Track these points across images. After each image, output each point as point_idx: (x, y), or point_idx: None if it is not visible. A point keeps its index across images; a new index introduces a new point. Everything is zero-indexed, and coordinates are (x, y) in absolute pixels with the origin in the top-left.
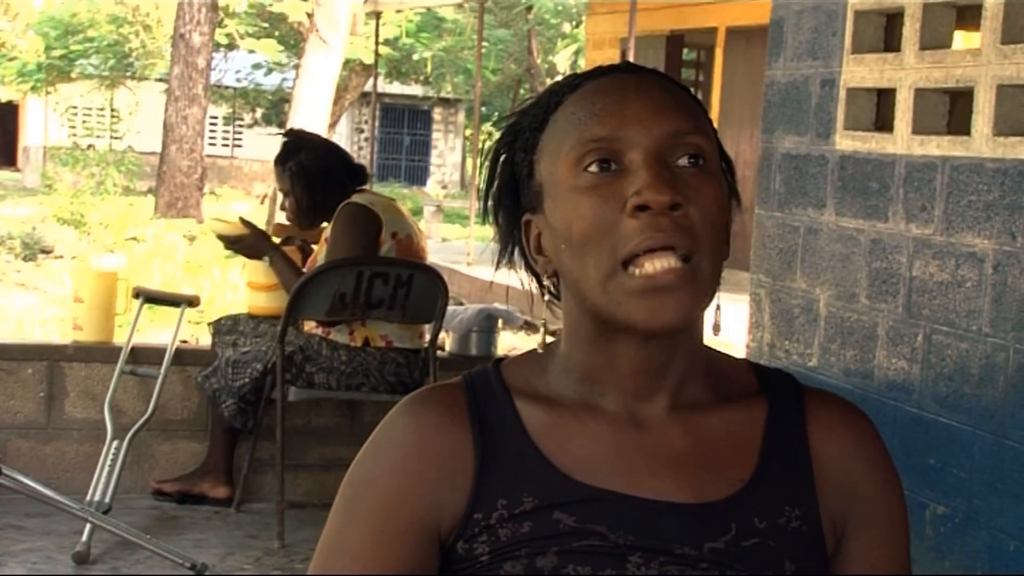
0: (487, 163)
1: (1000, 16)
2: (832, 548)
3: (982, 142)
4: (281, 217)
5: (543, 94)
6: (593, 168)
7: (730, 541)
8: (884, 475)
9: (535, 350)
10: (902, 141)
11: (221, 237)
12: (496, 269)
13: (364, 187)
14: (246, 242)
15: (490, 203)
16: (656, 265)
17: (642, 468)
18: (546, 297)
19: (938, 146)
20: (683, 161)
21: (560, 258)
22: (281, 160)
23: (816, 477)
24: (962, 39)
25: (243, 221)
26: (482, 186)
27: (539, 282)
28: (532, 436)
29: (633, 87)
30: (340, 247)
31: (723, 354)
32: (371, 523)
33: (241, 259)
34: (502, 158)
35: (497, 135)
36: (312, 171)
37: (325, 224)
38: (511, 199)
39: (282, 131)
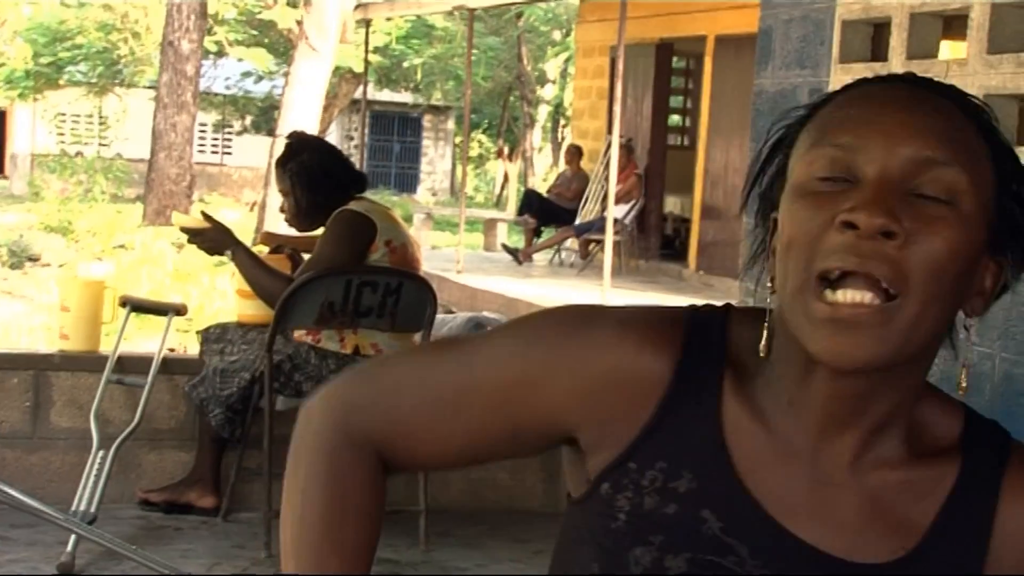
0: (758, 161)
1: (986, 26)
2: None
3: None
4: (270, 225)
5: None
6: (822, 174)
7: None
8: None
9: (760, 313)
10: None
11: (184, 229)
12: (745, 270)
13: (363, 194)
14: (207, 236)
15: (753, 201)
16: (848, 296)
17: (803, 505)
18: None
19: None
20: (925, 192)
21: (778, 259)
22: (283, 161)
23: (989, 558)
24: (948, 49)
25: (205, 216)
26: (748, 184)
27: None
28: (722, 417)
29: (897, 99)
30: (328, 251)
31: (937, 398)
32: (526, 380)
33: (231, 267)
34: (769, 155)
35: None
36: (314, 172)
37: (320, 231)
38: (771, 196)
39: (276, 135)
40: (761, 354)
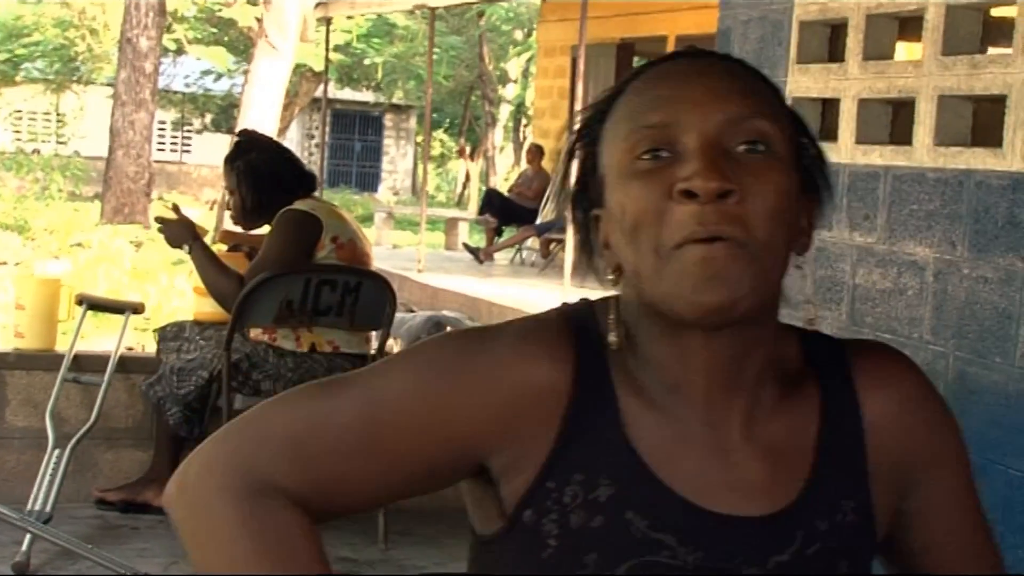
0: (561, 162)
1: (941, 27)
2: (884, 523)
3: (923, 152)
4: (230, 224)
5: (604, 92)
6: (646, 155)
7: (795, 552)
8: (938, 421)
9: (611, 301)
10: (846, 150)
11: (157, 219)
12: (575, 269)
13: (312, 194)
14: (171, 227)
15: (566, 202)
16: (705, 250)
17: (715, 480)
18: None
19: (881, 156)
20: (742, 147)
21: (620, 248)
22: (231, 158)
23: (869, 453)
24: (904, 50)
25: (174, 208)
26: (555, 185)
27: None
28: (622, 415)
29: (693, 71)
30: (274, 250)
31: (780, 331)
32: (429, 410)
33: (188, 266)
34: (576, 154)
35: (571, 131)
36: (260, 171)
37: (266, 229)
38: (583, 196)
39: (234, 133)
40: (612, 347)
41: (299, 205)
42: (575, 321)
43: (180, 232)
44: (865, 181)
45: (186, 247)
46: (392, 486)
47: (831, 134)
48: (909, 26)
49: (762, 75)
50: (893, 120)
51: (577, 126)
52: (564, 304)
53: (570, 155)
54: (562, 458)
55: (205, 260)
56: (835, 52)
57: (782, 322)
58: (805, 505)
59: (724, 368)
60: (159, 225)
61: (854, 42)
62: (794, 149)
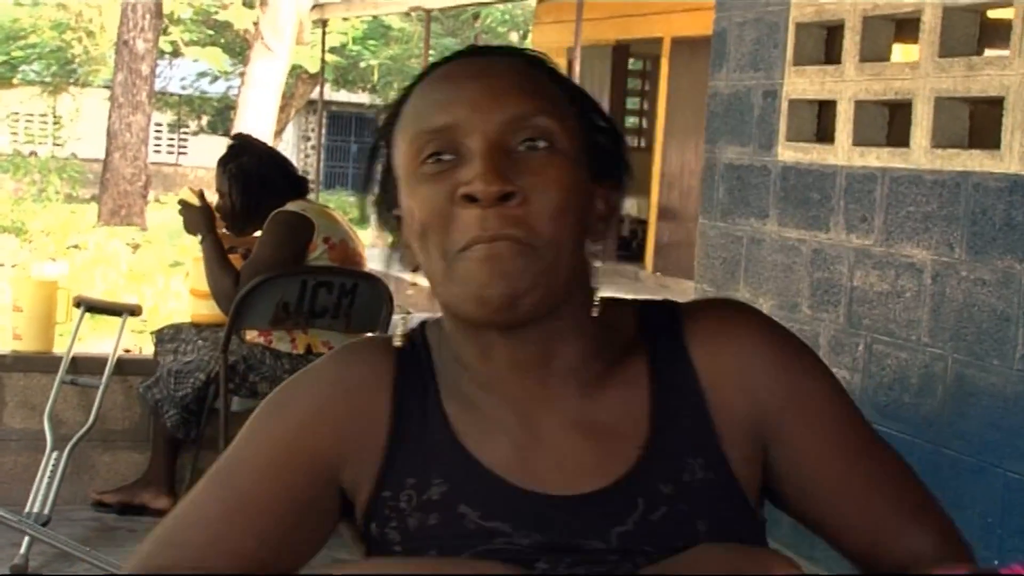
0: (364, 167)
1: (937, 29)
2: (754, 475)
3: (920, 154)
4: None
5: (404, 87)
6: (430, 160)
7: (638, 520)
8: (782, 364)
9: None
10: (843, 152)
11: (180, 201)
12: (387, 267)
13: (303, 199)
14: (190, 212)
15: (372, 206)
16: (488, 249)
17: (543, 462)
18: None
19: (878, 157)
20: (524, 145)
21: (416, 251)
22: (223, 161)
23: (712, 410)
24: (901, 52)
25: (200, 195)
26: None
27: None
28: (447, 414)
29: (475, 72)
30: (266, 252)
31: (613, 307)
32: (271, 452)
33: (185, 268)
34: (377, 156)
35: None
36: (250, 175)
37: (258, 233)
38: (386, 198)
39: (229, 135)
40: (397, 343)
41: (290, 206)
42: (399, 338)
43: (198, 219)
44: (862, 183)
45: (199, 236)
46: (270, 539)
47: (827, 136)
48: (906, 28)
49: (551, 68)
50: (890, 122)
51: (377, 130)
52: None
53: (372, 157)
54: (393, 466)
55: (212, 254)
56: (831, 54)
57: (616, 297)
58: (644, 471)
59: (530, 364)
60: (179, 207)
61: (850, 44)
62: (584, 139)
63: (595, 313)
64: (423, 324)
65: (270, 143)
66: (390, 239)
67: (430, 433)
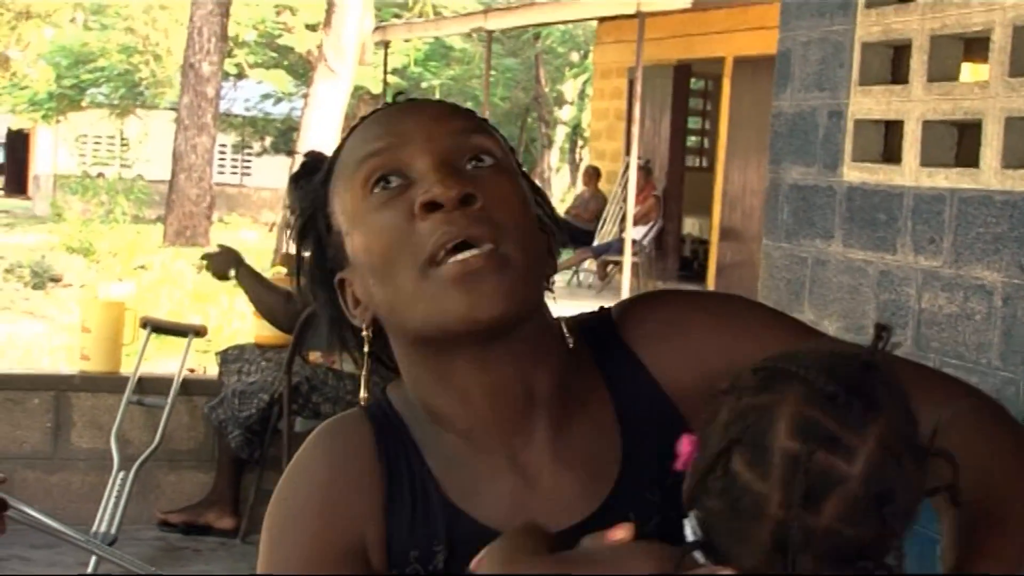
0: (293, 241)
1: (1008, 48)
2: None
3: (990, 174)
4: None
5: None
6: (377, 186)
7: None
8: (712, 320)
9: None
10: (910, 173)
11: (203, 256)
12: (329, 347)
13: None
14: (214, 258)
15: (304, 281)
16: (462, 264)
17: (535, 502)
18: (365, 370)
19: (946, 178)
20: (471, 164)
21: (373, 294)
22: (295, 178)
23: (674, 402)
24: (970, 71)
25: (219, 245)
26: (293, 271)
27: (360, 350)
28: (436, 479)
29: (408, 108)
30: None
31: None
32: (304, 551)
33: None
34: (305, 230)
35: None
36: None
37: None
38: (322, 268)
39: (297, 152)
40: (362, 402)
41: None
42: (369, 406)
43: (224, 260)
44: (930, 204)
45: (232, 272)
46: None
47: (894, 156)
48: (975, 47)
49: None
50: (959, 142)
51: (298, 207)
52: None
53: (301, 237)
54: (393, 539)
55: (252, 282)
56: (898, 73)
57: (556, 318)
58: (628, 485)
59: (508, 391)
60: (204, 263)
61: (918, 63)
62: (517, 167)
63: (571, 344)
64: (383, 389)
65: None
66: (334, 313)
67: (421, 498)
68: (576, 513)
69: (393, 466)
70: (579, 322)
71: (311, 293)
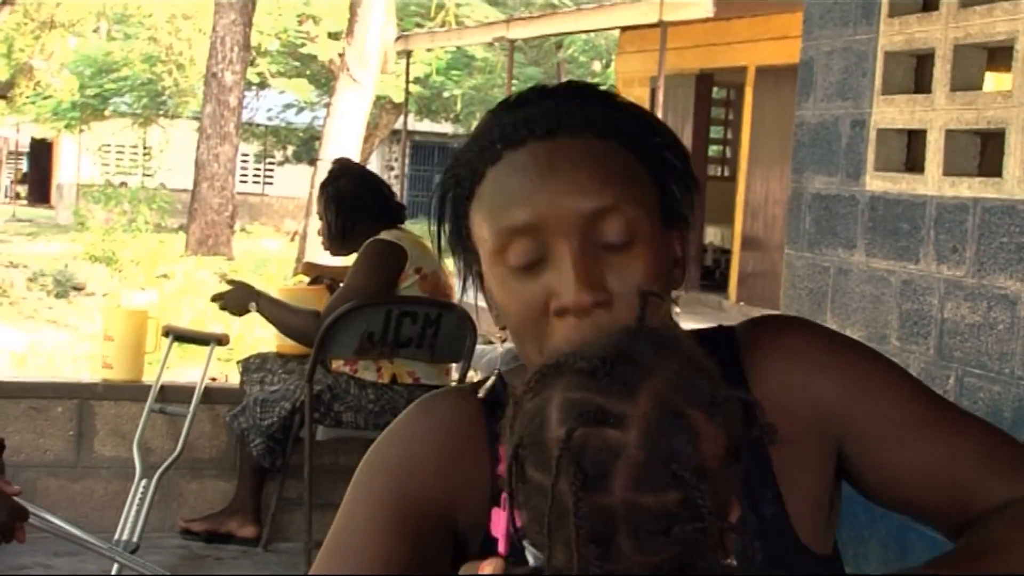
0: (435, 204)
1: None
2: (812, 514)
3: (1014, 184)
4: (311, 255)
5: (469, 149)
6: (514, 262)
7: None
8: (834, 358)
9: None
10: (933, 182)
11: (213, 298)
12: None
13: (398, 225)
14: (230, 296)
15: (444, 242)
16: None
17: None
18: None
19: (969, 187)
20: (611, 243)
21: (510, 331)
22: (323, 185)
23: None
24: (993, 80)
25: (228, 281)
26: (433, 227)
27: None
28: None
29: (549, 162)
30: (358, 281)
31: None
32: (382, 507)
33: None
34: (447, 202)
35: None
36: (345, 198)
37: (349, 261)
38: (459, 237)
39: (318, 163)
40: (481, 395)
41: (385, 235)
42: (478, 384)
43: (241, 296)
44: (953, 214)
45: (252, 305)
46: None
47: (917, 166)
48: (998, 56)
49: (620, 129)
50: (982, 152)
51: (451, 169)
52: (480, 382)
53: (443, 196)
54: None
55: (275, 309)
56: (921, 83)
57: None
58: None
59: None
60: (219, 303)
61: (941, 72)
62: (657, 193)
63: None
64: (500, 375)
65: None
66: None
67: None
68: None
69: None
70: (701, 337)
71: (452, 254)
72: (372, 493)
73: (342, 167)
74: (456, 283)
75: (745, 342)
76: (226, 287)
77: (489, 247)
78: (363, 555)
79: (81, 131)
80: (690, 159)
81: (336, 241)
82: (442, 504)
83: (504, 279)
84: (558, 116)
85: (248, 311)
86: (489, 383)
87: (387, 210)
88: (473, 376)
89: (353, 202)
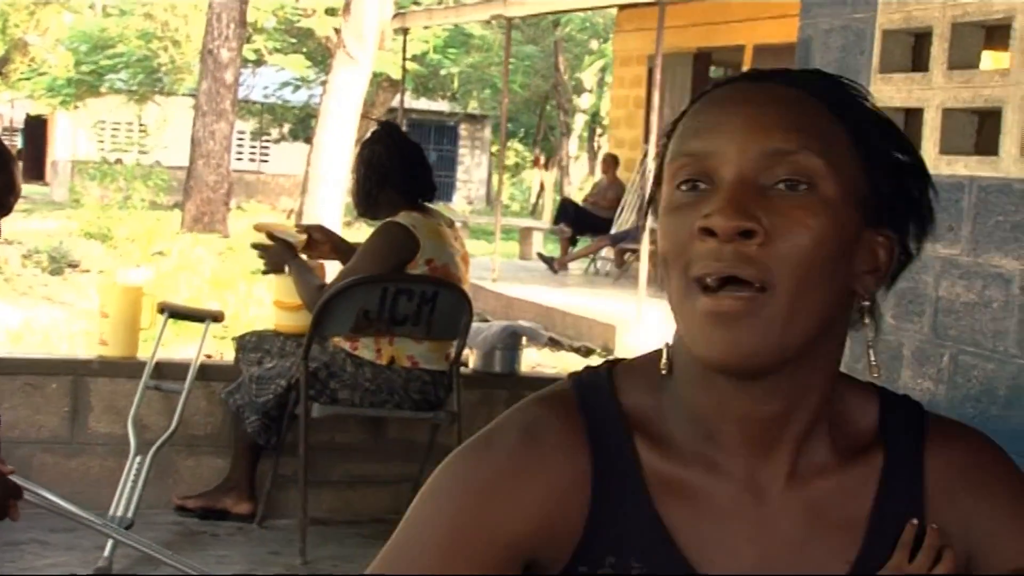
0: (637, 172)
1: None
2: None
3: (1010, 162)
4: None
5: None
6: (683, 187)
7: None
8: (1014, 510)
9: (652, 356)
10: (929, 161)
11: (254, 245)
12: (650, 280)
13: (424, 203)
14: (270, 253)
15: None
16: (712, 303)
17: (752, 561)
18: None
19: (965, 166)
20: (782, 184)
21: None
22: (363, 144)
23: (927, 521)
24: (991, 59)
25: (270, 235)
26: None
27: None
28: (648, 486)
29: (743, 99)
30: (363, 263)
31: (851, 387)
32: (456, 527)
33: (269, 276)
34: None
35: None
36: (373, 163)
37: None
38: (655, 207)
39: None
40: (663, 371)
41: (403, 219)
42: (583, 392)
43: (279, 255)
44: (949, 192)
45: (286, 267)
46: None
47: (914, 144)
48: (996, 34)
49: (844, 98)
50: (979, 130)
51: (663, 137)
52: (575, 374)
53: (659, 169)
54: (592, 542)
55: (302, 276)
56: (919, 61)
57: (863, 381)
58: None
59: (762, 421)
60: (258, 252)
61: (939, 51)
62: (864, 183)
63: (875, 375)
64: (611, 372)
65: (350, 151)
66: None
67: (632, 508)
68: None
69: (606, 467)
70: (886, 397)
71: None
72: (449, 509)
73: (384, 132)
74: (467, 272)
75: (937, 432)
76: (262, 238)
77: (668, 174)
78: (422, 571)
79: (76, 108)
80: (934, 203)
81: (361, 204)
82: (529, 537)
83: (668, 212)
84: (780, 72)
85: (282, 271)
86: (589, 382)
87: (414, 186)
88: (469, 356)
89: (381, 170)
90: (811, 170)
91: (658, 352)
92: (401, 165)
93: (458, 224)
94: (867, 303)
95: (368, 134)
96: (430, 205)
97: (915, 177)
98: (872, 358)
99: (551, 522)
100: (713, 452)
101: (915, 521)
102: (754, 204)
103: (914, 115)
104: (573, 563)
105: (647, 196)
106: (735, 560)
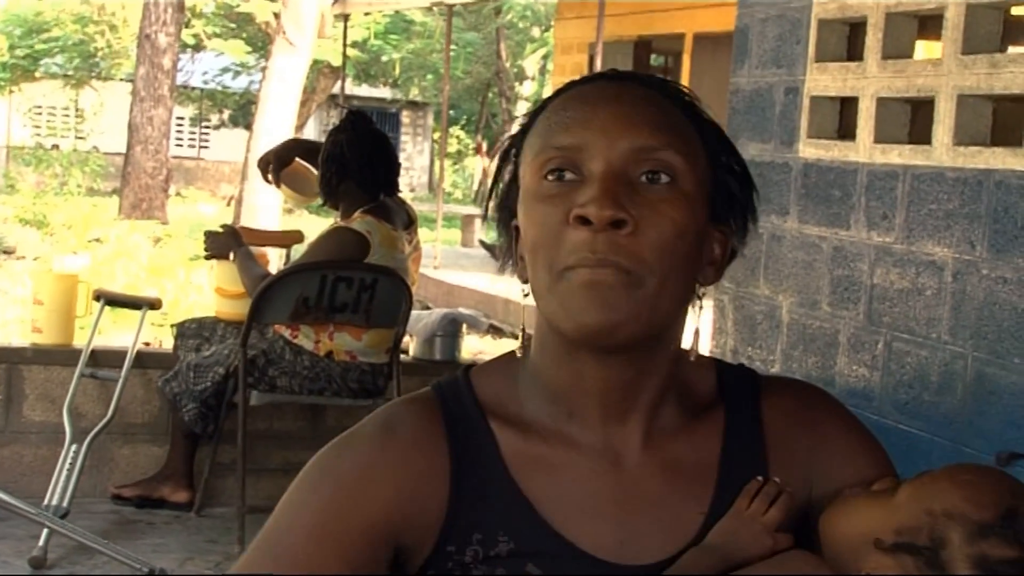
0: (494, 170)
1: (961, 26)
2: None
3: (942, 151)
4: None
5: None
6: (551, 177)
7: None
8: (849, 452)
9: (507, 356)
10: (864, 150)
11: (206, 233)
12: (500, 272)
13: (382, 200)
14: (215, 239)
15: (492, 210)
16: (591, 273)
17: (615, 519)
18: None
19: (899, 155)
20: (645, 177)
21: (528, 264)
22: (329, 131)
23: (770, 464)
24: (924, 49)
25: (222, 225)
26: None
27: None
28: (508, 466)
29: (609, 96)
30: (310, 259)
31: (690, 359)
32: (322, 516)
33: (209, 263)
34: (506, 163)
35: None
36: (333, 154)
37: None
38: (506, 206)
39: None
40: (518, 354)
41: (357, 224)
42: (442, 390)
43: (223, 241)
44: (883, 180)
45: (231, 254)
46: None
47: (849, 133)
48: (929, 25)
49: (691, 104)
50: (912, 119)
51: (509, 136)
52: (436, 380)
53: (502, 162)
54: (457, 522)
55: (245, 265)
56: (854, 50)
57: (702, 355)
58: (703, 533)
59: (618, 391)
60: (205, 242)
61: (873, 40)
62: (711, 182)
63: (692, 357)
64: (467, 373)
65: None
66: (504, 247)
67: (495, 487)
68: (651, 551)
69: (463, 453)
70: (722, 366)
71: (498, 224)
72: (316, 500)
73: (349, 122)
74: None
75: (770, 391)
76: (218, 230)
77: (531, 168)
78: (293, 564)
79: (11, 92)
80: (756, 204)
81: (323, 192)
82: (390, 524)
83: (535, 202)
84: (634, 74)
85: (227, 258)
86: (448, 381)
87: (375, 179)
88: (409, 343)
89: (341, 160)
90: (674, 166)
91: (511, 352)
92: (361, 157)
93: None
94: (703, 292)
95: (337, 122)
96: (395, 198)
97: (745, 180)
98: (696, 345)
99: (411, 509)
100: (571, 428)
101: (760, 478)
102: (624, 196)
103: (849, 104)
104: (440, 543)
105: (487, 188)
106: (600, 521)
